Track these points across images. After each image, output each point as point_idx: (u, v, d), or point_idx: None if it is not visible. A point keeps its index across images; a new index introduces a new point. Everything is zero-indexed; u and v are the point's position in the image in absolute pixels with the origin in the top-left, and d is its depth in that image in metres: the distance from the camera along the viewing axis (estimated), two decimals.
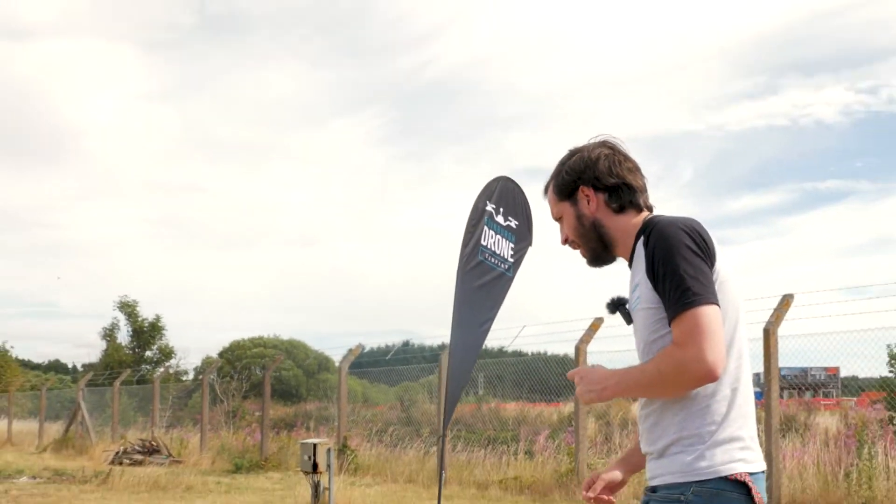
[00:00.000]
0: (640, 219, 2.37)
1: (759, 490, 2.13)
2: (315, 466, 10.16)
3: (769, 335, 9.72)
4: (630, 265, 2.35)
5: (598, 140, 2.44)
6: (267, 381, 17.65)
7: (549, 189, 2.49)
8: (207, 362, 28.11)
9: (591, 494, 2.45)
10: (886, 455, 9.53)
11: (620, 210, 2.36)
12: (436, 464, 13.82)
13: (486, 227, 6.68)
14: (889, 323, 10.97)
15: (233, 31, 65.39)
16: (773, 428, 9.49)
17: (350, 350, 16.51)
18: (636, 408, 11.28)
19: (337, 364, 36.60)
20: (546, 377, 18.82)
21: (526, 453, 13.75)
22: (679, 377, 2.07)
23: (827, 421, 15.64)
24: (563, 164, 2.45)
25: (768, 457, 9.39)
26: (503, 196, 6.66)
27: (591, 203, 2.37)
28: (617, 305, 2.41)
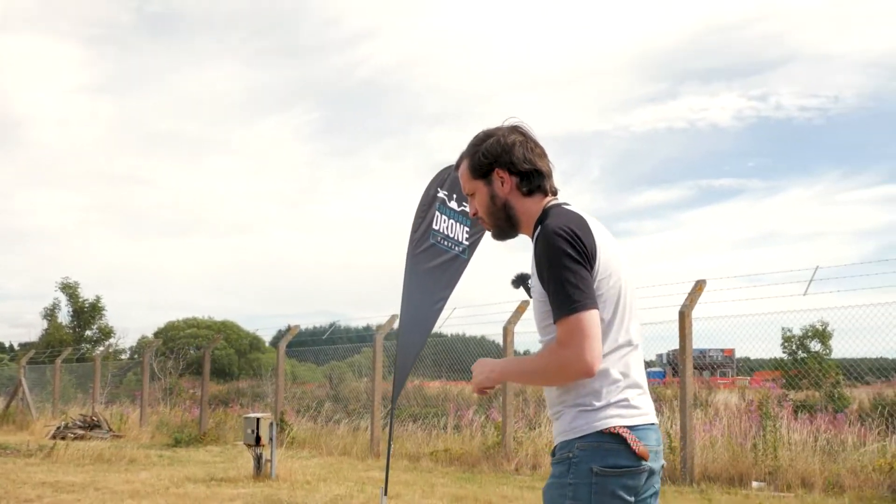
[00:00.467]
0: (543, 203, 2.49)
1: (646, 440, 2.31)
2: (258, 439, 10.21)
3: (684, 317, 10.12)
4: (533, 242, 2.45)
5: (509, 125, 2.54)
6: (206, 360, 17.50)
7: (464, 166, 2.57)
8: (143, 342, 27.98)
9: None
10: (788, 428, 10.06)
11: (529, 193, 2.48)
12: (368, 438, 13.98)
13: (437, 213, 6.83)
14: (781, 308, 11.60)
15: (171, 30, 64.42)
16: (688, 403, 9.89)
17: (288, 329, 16.54)
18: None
19: (268, 343, 36.26)
20: (465, 357, 19.26)
21: (455, 428, 14.00)
22: (560, 372, 2.28)
23: (726, 398, 16.26)
24: (478, 144, 2.53)
25: (683, 430, 9.81)
26: (457, 183, 6.83)
27: (505, 185, 2.48)
28: (521, 281, 2.60)
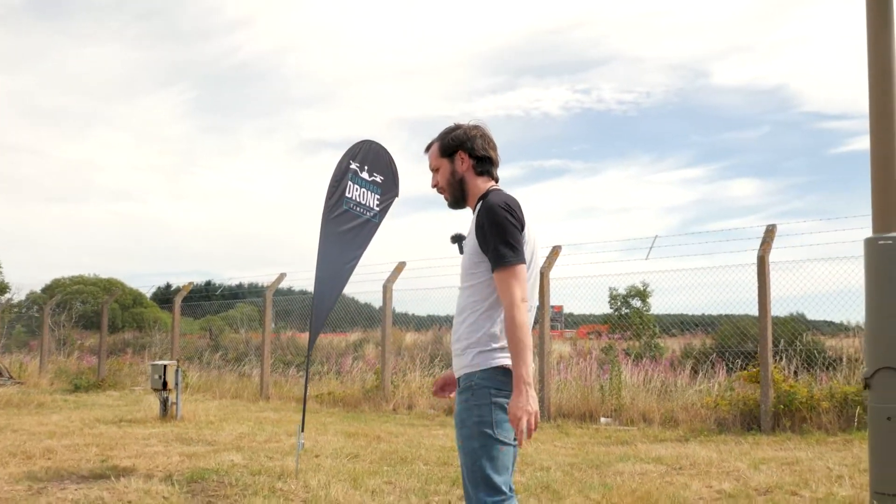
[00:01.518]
0: (488, 185, 3.00)
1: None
2: (165, 384, 10.25)
3: (543, 277, 10.85)
4: (473, 214, 2.94)
5: (474, 123, 3.05)
6: (104, 313, 17.06)
7: (434, 147, 3.04)
8: (31, 297, 27.06)
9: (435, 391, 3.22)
10: (630, 373, 10.98)
11: (479, 174, 2.99)
12: (257, 383, 14.11)
13: (350, 182, 7.11)
14: (605, 272, 12.59)
15: (57, 14, 60.80)
16: (546, 351, 10.65)
17: (182, 286, 16.38)
18: (408, 337, 12.29)
19: (149, 298, 35.23)
20: (333, 311, 19.70)
21: (336, 373, 14.34)
22: (517, 315, 2.67)
23: (559, 347, 17.23)
24: (448, 133, 3.02)
25: (541, 374, 10.55)
26: (368, 156, 7.13)
27: (464, 164, 2.97)
28: (458, 239, 3.04)
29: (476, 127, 3.04)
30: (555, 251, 11.08)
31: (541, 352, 10.57)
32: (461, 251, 2.98)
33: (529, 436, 2.58)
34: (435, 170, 3.06)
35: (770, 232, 9.31)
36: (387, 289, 12.75)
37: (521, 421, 2.57)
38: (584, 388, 10.71)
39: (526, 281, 2.74)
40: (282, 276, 14.35)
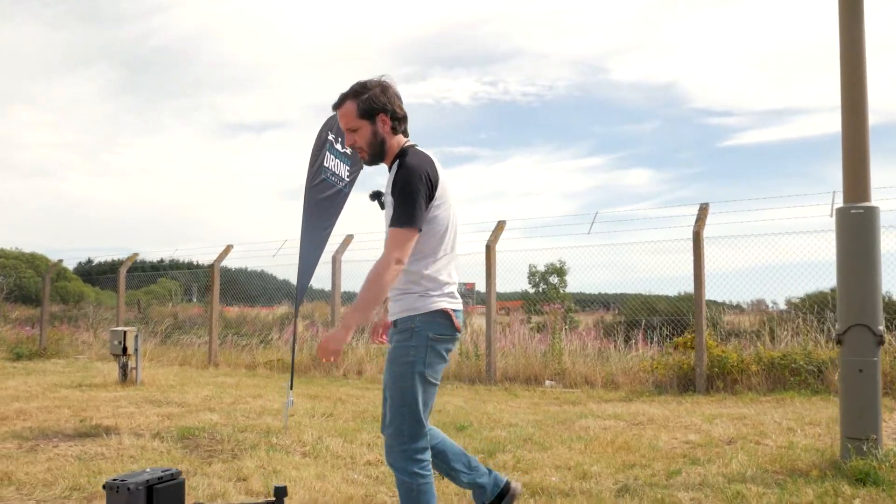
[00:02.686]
0: (401, 141, 2.93)
1: (460, 319, 2.93)
2: (125, 350, 9.82)
3: (490, 250, 10.88)
4: (390, 171, 2.90)
5: (383, 79, 2.92)
6: (47, 283, 16.23)
7: (350, 107, 2.87)
8: None
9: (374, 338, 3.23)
10: (565, 341, 11.17)
11: (395, 133, 2.93)
12: (205, 351, 13.70)
13: (327, 153, 6.94)
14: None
15: None
16: (492, 320, 10.71)
17: (128, 258, 15.71)
18: (341, 309, 12.09)
19: (72, 271, 33.63)
20: (249, 287, 19.80)
21: (283, 342, 14.05)
22: (385, 272, 2.70)
23: (478, 320, 17.18)
24: (361, 92, 2.86)
25: (488, 340, 10.62)
26: (341, 128, 7.03)
27: (385, 126, 2.90)
28: (377, 196, 3.01)
29: (388, 85, 2.92)
30: (500, 226, 11.12)
31: (487, 320, 10.63)
32: (382, 207, 2.96)
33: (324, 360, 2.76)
34: (353, 130, 2.93)
35: (703, 209, 9.59)
36: (336, 260, 12.55)
37: (327, 352, 2.72)
38: (526, 354, 10.83)
39: (409, 248, 2.74)
40: (229, 249, 13.93)
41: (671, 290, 14.60)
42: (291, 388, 6.46)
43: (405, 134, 2.94)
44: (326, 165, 6.92)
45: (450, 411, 7.46)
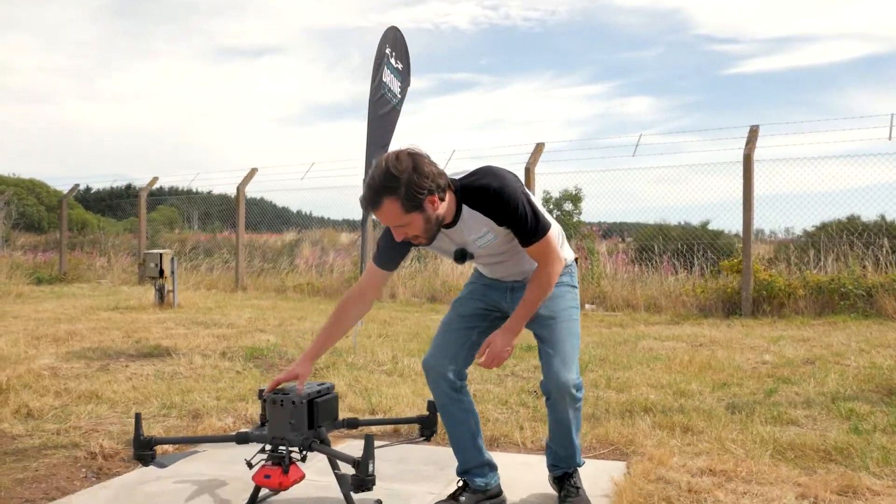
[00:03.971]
0: (451, 201, 2.43)
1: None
2: (161, 272, 9.68)
3: (529, 173, 10.70)
4: (451, 226, 2.48)
5: (407, 151, 2.35)
6: (64, 207, 16.04)
7: (392, 206, 2.31)
8: None
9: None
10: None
11: (443, 200, 2.39)
12: (233, 276, 13.59)
13: (385, 68, 6.70)
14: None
15: None
16: None
17: (149, 182, 15.47)
18: (343, 237, 12.06)
19: (66, 198, 33.81)
20: (250, 215, 19.57)
21: (315, 267, 13.95)
22: (553, 279, 2.55)
23: None
24: (397, 183, 2.28)
25: None
26: (395, 42, 6.72)
27: (435, 205, 2.36)
28: (463, 255, 2.59)
29: (418, 157, 2.34)
30: (538, 148, 10.90)
31: None
32: (471, 258, 2.63)
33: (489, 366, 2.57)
34: (402, 226, 2.39)
35: (754, 131, 9.37)
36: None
37: (497, 358, 2.57)
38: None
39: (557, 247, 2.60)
40: (253, 172, 13.66)
41: (673, 220, 14.44)
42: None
43: (449, 187, 2.44)
44: (385, 81, 6.66)
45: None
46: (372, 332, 7.42)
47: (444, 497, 2.72)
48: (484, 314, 2.76)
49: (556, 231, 2.59)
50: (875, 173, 12.17)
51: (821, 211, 17.93)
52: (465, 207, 2.45)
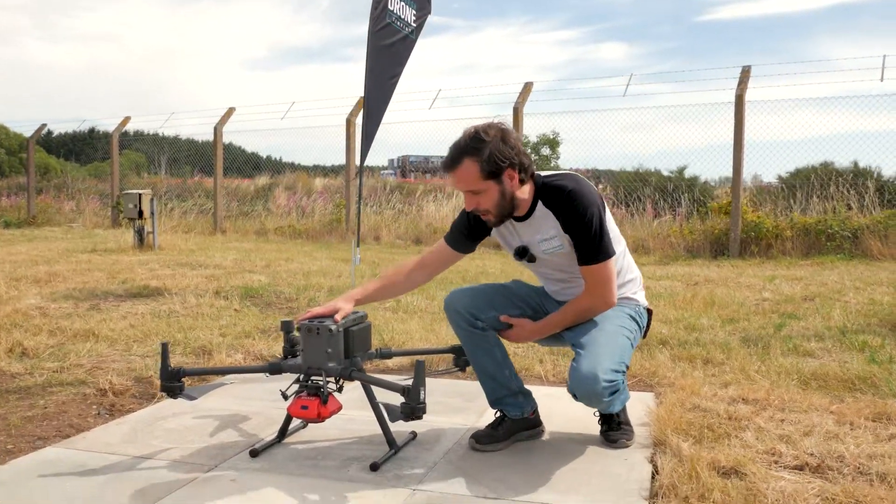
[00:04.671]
0: (529, 189, 2.41)
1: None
2: (140, 213, 9.42)
3: (517, 113, 10.51)
4: (523, 219, 2.44)
5: (498, 125, 2.36)
6: (31, 148, 15.52)
7: (471, 167, 2.30)
8: None
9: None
10: None
11: (522, 182, 2.38)
12: (211, 219, 13.31)
13: None
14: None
15: None
16: None
17: (120, 123, 14.95)
18: (317, 182, 11.92)
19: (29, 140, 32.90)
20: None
21: (296, 210, 13.72)
22: (594, 310, 2.44)
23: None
24: (482, 146, 2.29)
25: None
26: None
27: (514, 181, 2.34)
28: (524, 253, 2.50)
29: (507, 130, 2.36)
30: (527, 87, 10.69)
31: None
32: (531, 261, 2.53)
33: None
34: (474, 192, 2.35)
35: (745, 72, 9.28)
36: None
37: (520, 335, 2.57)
38: None
39: (615, 279, 2.48)
40: (231, 111, 13.27)
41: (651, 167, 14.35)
42: (358, 246, 6.20)
43: (532, 178, 2.42)
44: (391, 9, 6.37)
45: (494, 273, 7.31)
46: (363, 272, 7.30)
47: (480, 427, 2.64)
48: (531, 305, 2.62)
49: (623, 268, 2.53)
50: (849, 120, 12.21)
51: (796, 157, 18.06)
52: (539, 204, 2.41)
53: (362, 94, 6.22)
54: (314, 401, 2.34)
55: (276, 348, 3.94)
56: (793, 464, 2.33)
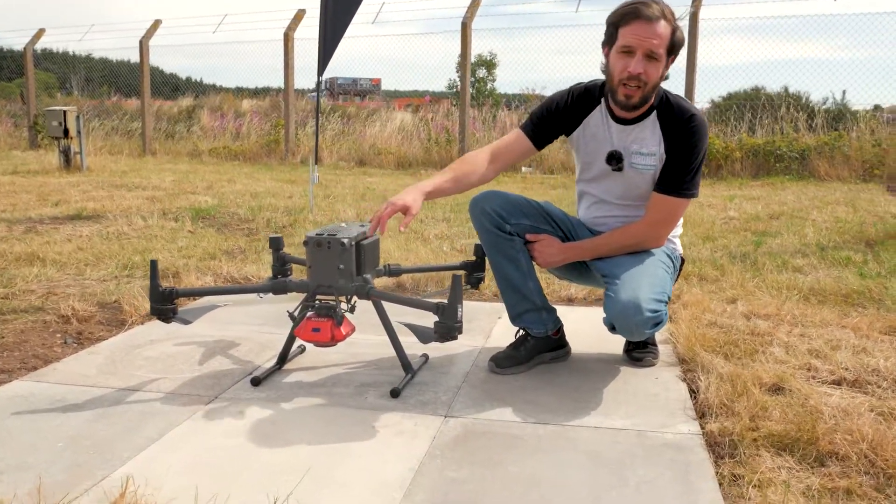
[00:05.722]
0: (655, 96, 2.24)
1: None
2: (66, 132, 8.77)
3: (466, 28, 10.13)
4: (629, 123, 2.25)
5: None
6: None
7: (665, 31, 2.12)
8: None
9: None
10: None
11: (663, 80, 2.22)
12: (140, 140, 12.59)
13: None
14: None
15: None
16: (466, 103, 10.17)
17: (34, 36, 13.83)
18: (245, 104, 11.35)
19: None
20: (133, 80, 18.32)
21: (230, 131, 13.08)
22: (634, 246, 2.27)
23: (402, 115, 16.34)
24: (676, 21, 2.17)
25: (461, 126, 10.12)
26: None
27: (667, 70, 2.20)
28: (617, 158, 2.28)
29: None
30: (475, 2, 10.28)
31: (462, 104, 10.09)
32: (619, 170, 2.29)
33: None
34: (653, 57, 2.12)
35: None
36: (288, 37, 11.44)
37: (544, 256, 2.36)
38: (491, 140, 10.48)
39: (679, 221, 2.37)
40: (157, 24, 12.41)
41: None
42: (316, 164, 5.88)
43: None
44: None
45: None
46: (317, 193, 6.97)
47: (503, 348, 2.45)
48: (563, 228, 2.39)
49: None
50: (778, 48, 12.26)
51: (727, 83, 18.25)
52: (653, 115, 2.23)
53: (300, 8, 5.76)
54: (327, 322, 2.10)
55: (247, 270, 3.66)
56: (830, 379, 2.24)
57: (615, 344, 2.57)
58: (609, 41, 2.19)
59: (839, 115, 9.81)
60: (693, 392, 2.18)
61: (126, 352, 2.54)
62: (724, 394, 2.06)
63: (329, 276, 2.16)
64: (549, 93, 13.06)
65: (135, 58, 13.82)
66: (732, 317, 2.86)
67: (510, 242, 2.31)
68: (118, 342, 2.65)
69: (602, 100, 2.29)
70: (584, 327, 2.79)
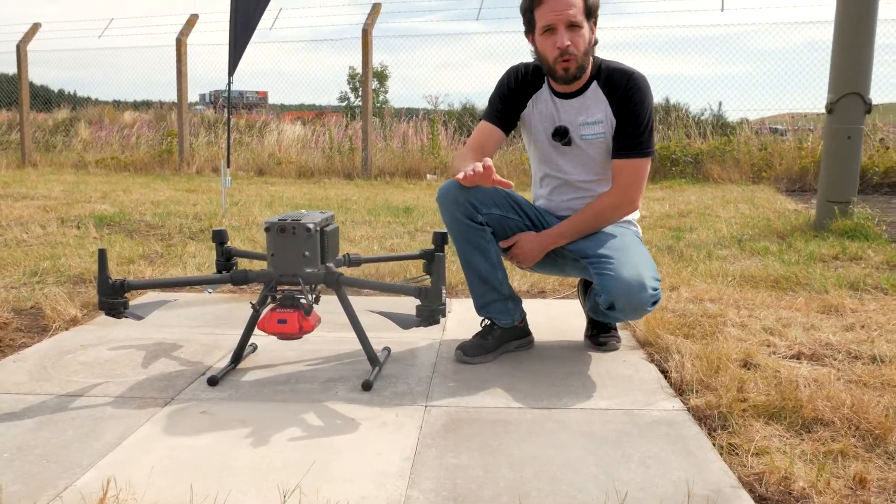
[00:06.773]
0: (591, 61, 2.24)
1: None
2: None
3: (367, 34, 10.04)
4: (570, 97, 2.25)
5: None
6: None
7: None
8: None
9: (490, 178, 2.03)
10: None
11: (593, 45, 2.22)
12: (14, 151, 11.76)
13: None
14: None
15: None
16: (369, 112, 10.07)
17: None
18: (127, 116, 11.06)
19: None
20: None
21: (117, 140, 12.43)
22: (610, 217, 2.25)
23: (292, 127, 16.03)
24: None
25: (364, 134, 10.01)
26: None
27: (593, 35, 2.20)
28: (563, 133, 2.27)
29: None
30: (375, 9, 10.22)
31: (364, 114, 9.98)
32: (569, 144, 2.27)
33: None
34: (575, 26, 2.12)
35: None
36: (181, 43, 11.01)
37: (525, 257, 2.32)
38: (402, 150, 10.45)
39: (645, 182, 2.32)
40: (36, 28, 11.68)
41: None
42: (228, 167, 5.64)
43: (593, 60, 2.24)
44: None
45: (358, 200, 6.99)
46: (216, 201, 6.71)
47: (463, 339, 2.39)
48: (531, 216, 2.32)
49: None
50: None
51: None
52: (594, 84, 2.23)
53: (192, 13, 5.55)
54: (294, 313, 1.98)
55: (171, 273, 3.44)
56: (790, 353, 2.30)
57: (574, 331, 2.56)
58: (530, 28, 2.21)
59: (717, 124, 10.34)
60: (664, 372, 2.18)
61: (56, 358, 2.32)
62: (700, 371, 2.07)
63: (294, 265, 2.04)
64: (443, 106, 13.10)
65: (5, 67, 12.96)
66: (680, 301, 2.91)
67: (480, 232, 2.25)
68: (45, 348, 2.42)
69: (545, 80, 2.28)
70: (538, 318, 2.76)
